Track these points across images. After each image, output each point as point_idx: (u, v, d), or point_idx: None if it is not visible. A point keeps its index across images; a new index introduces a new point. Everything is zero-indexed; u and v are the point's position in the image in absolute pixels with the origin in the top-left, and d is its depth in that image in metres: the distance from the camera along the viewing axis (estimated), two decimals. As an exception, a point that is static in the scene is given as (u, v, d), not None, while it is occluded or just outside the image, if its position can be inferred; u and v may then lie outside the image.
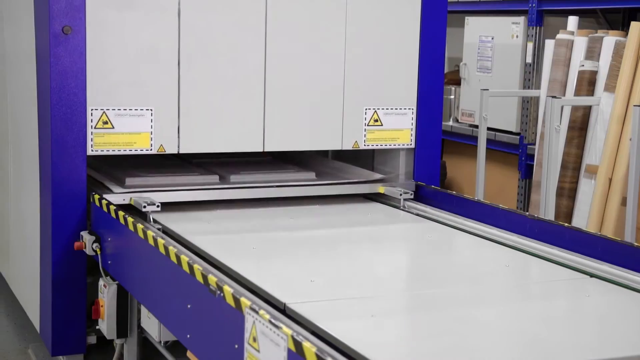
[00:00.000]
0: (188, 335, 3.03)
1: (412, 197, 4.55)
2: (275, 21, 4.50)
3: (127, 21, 4.22)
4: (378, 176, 4.75)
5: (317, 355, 2.15)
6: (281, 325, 2.35)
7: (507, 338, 2.68)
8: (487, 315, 2.88)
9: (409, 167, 4.94)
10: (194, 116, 4.38)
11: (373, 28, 4.70)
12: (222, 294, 2.70)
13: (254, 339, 2.48)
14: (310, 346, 2.20)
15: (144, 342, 4.10)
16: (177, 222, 3.97)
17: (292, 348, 2.27)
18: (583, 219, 5.27)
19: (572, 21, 5.86)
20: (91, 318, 4.20)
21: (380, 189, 4.63)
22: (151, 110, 4.30)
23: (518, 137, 6.67)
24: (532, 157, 6.32)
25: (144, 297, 3.59)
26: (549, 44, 5.92)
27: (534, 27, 6.45)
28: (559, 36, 5.79)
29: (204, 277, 2.84)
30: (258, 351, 2.46)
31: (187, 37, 4.33)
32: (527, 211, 6.22)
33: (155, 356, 4.06)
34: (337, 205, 4.55)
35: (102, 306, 4.06)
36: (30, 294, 4.68)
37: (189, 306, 3.00)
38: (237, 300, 2.61)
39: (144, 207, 3.91)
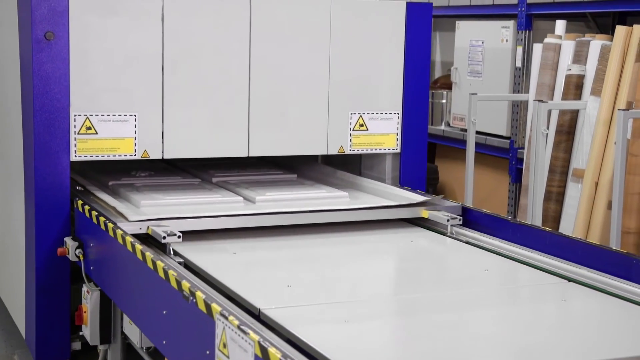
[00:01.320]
0: (164, 341, 3.03)
1: (460, 222, 4.09)
2: (259, 26, 4.50)
3: (111, 27, 4.23)
4: (420, 199, 4.30)
5: (282, 361, 2.16)
6: (249, 331, 2.35)
7: (483, 343, 2.68)
8: (463, 321, 2.87)
9: (395, 172, 4.94)
10: (178, 121, 4.38)
11: (358, 32, 4.71)
12: (194, 300, 2.71)
13: (224, 345, 2.49)
14: (275, 352, 2.20)
15: (128, 348, 4.09)
16: (199, 253, 3.58)
17: (259, 354, 2.27)
18: (570, 223, 5.27)
19: (560, 25, 5.86)
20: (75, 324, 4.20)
21: (424, 213, 4.21)
22: (135, 115, 4.30)
23: (508, 141, 6.67)
24: (522, 161, 6.31)
25: (124, 303, 3.59)
26: (537, 48, 5.92)
27: (523, 31, 6.45)
28: (546, 40, 5.79)
29: (178, 283, 2.84)
30: (228, 357, 2.46)
31: (171, 43, 4.34)
32: (516, 215, 6.22)
33: (138, 361, 4.06)
34: (377, 232, 4.13)
35: (85, 312, 4.06)
36: (16, 300, 4.69)
37: (164, 312, 3.00)
38: (208, 306, 2.61)
39: (164, 237, 3.50)
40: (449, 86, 7.57)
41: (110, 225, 3.57)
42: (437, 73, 8.56)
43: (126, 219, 3.68)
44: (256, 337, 2.30)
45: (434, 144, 7.78)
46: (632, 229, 4.70)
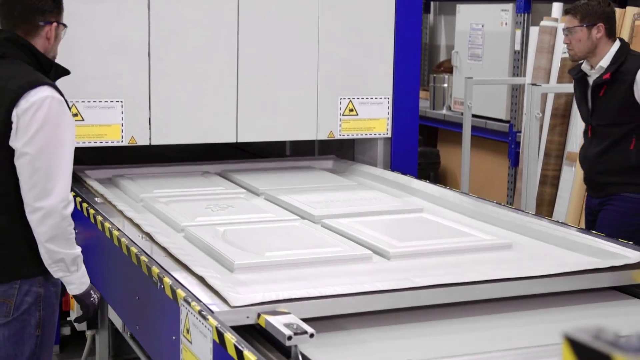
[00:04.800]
0: (137, 327, 3.05)
1: None
2: (247, 12, 4.49)
3: (97, 13, 4.23)
4: (634, 255, 3.00)
5: (236, 347, 2.16)
6: (208, 316, 2.36)
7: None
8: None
9: (387, 157, 4.93)
10: (166, 108, 4.39)
11: (347, 17, 4.69)
12: (162, 286, 2.71)
13: (187, 331, 2.49)
14: (230, 337, 2.20)
15: (115, 333, 4.12)
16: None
17: (216, 339, 2.27)
18: (564, 206, 5.24)
19: (557, 8, 5.82)
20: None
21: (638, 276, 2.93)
22: (121, 102, 4.31)
23: (508, 125, 6.64)
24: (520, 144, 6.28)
25: (104, 289, 3.60)
26: (534, 31, 5.88)
27: (522, 14, 6.41)
28: (542, 23, 5.74)
29: (148, 269, 2.85)
30: (190, 342, 2.47)
31: (157, 29, 4.34)
32: (513, 199, 6.20)
33: (125, 347, 4.08)
34: (577, 308, 2.82)
35: (72, 298, 4.07)
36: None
37: (137, 298, 3.02)
38: (174, 292, 2.61)
39: (289, 338, 2.24)
40: (451, 70, 7.53)
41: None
42: (442, 57, 8.53)
43: (228, 304, 2.46)
44: (214, 323, 2.30)
45: (435, 128, 7.76)
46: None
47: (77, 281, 2.82)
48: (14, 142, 2.68)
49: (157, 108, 4.37)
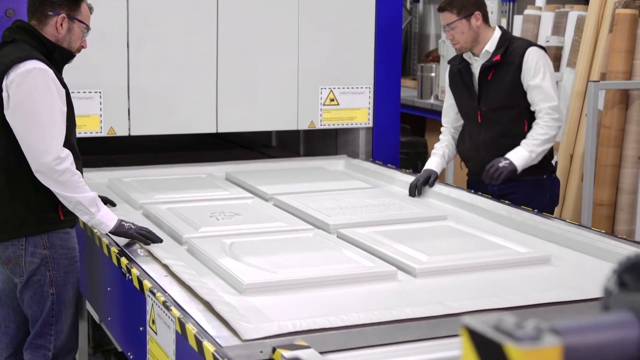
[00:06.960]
0: (109, 318, 3.05)
1: None
2: (227, 1, 4.48)
3: (74, 4, 4.21)
4: None
5: (196, 337, 2.16)
6: (172, 307, 2.36)
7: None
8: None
9: (368, 147, 4.92)
10: (145, 98, 4.38)
11: (327, 6, 4.68)
12: (130, 277, 2.71)
13: (153, 322, 2.49)
14: (191, 328, 2.20)
15: (94, 322, 4.11)
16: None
17: (179, 330, 2.27)
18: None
19: (540, -4, 5.81)
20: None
21: None
22: (100, 92, 4.30)
23: (494, 114, 6.62)
24: (506, 134, 6.27)
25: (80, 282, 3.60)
26: (518, 20, 5.87)
27: (507, 3, 6.39)
28: (526, 12, 5.73)
29: (118, 260, 2.85)
30: (156, 333, 2.47)
31: (136, 19, 4.33)
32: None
33: (106, 337, 4.08)
34: None
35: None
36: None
37: (109, 289, 3.02)
38: (140, 283, 2.61)
39: None
40: (439, 59, 7.51)
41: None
42: (432, 46, 8.51)
43: (239, 337, 2.19)
44: (177, 314, 2.30)
45: (423, 117, 7.74)
46: (604, 201, 4.66)
47: (104, 219, 2.95)
48: (6, 111, 2.89)
49: (136, 98, 4.36)
